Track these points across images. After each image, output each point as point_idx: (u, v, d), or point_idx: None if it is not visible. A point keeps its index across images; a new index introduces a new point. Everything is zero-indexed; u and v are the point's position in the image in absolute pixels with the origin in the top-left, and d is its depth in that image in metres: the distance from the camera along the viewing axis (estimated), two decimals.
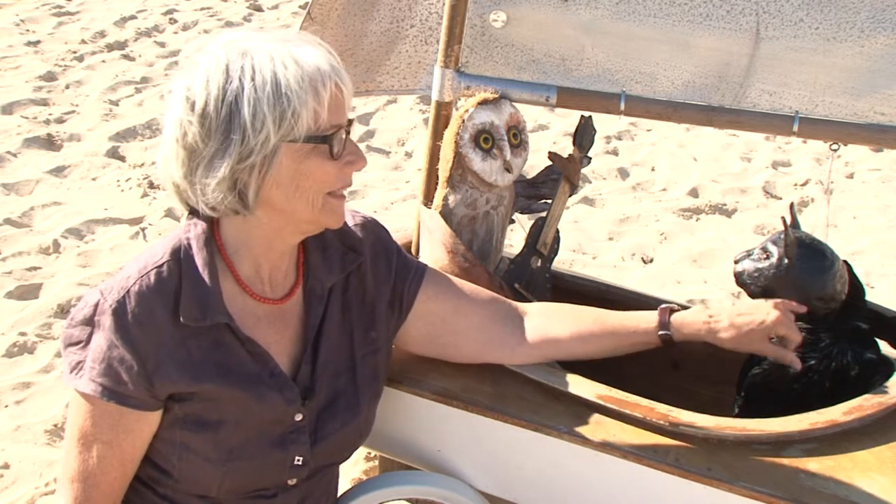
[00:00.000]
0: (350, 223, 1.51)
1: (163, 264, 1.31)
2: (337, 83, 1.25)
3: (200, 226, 1.34)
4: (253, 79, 1.21)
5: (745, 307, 1.54)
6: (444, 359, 1.62)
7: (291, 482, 1.41)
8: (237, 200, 1.27)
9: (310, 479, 1.44)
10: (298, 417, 1.38)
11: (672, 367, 1.56)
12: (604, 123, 4.07)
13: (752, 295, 1.66)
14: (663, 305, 1.57)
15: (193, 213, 1.35)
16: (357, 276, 1.49)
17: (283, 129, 1.22)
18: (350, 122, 1.31)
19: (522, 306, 1.62)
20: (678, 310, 1.56)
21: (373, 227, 1.54)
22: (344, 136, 1.29)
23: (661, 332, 1.53)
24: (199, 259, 1.32)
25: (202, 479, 1.35)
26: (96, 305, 1.29)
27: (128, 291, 1.28)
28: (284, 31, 1.27)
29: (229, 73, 1.21)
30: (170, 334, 1.29)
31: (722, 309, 1.54)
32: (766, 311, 1.51)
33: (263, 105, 1.20)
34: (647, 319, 1.55)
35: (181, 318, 1.29)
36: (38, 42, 5.97)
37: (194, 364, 1.30)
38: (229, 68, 1.22)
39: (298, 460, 1.39)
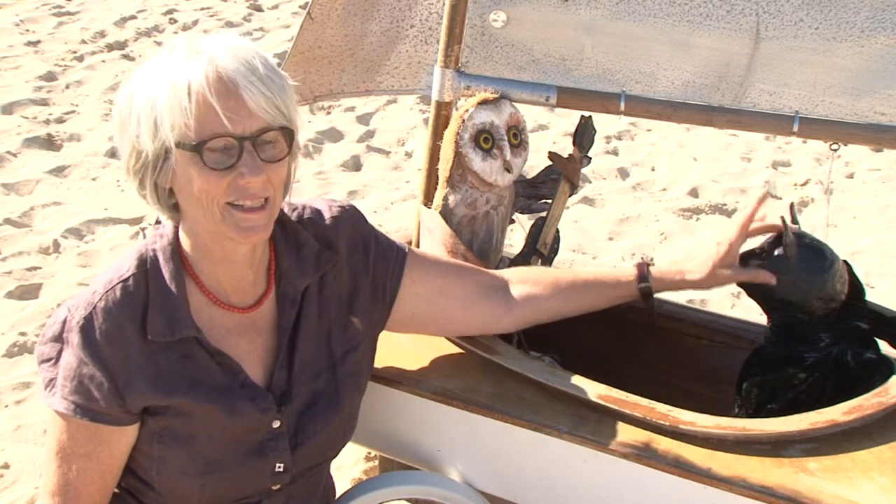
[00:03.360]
0: (326, 216, 1.49)
1: (129, 277, 1.30)
2: (228, 90, 1.19)
3: (167, 237, 1.34)
4: (141, 87, 1.23)
5: (704, 249, 1.60)
6: (431, 335, 1.64)
7: (275, 487, 1.40)
8: (167, 207, 1.30)
9: (295, 483, 1.43)
10: (276, 424, 1.37)
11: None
12: (604, 123, 4.07)
13: (752, 295, 1.66)
14: (639, 261, 1.63)
15: (159, 222, 1.36)
16: (332, 273, 1.47)
17: (158, 132, 1.20)
18: (262, 131, 1.22)
19: (502, 274, 1.64)
20: (651, 262, 1.59)
21: (349, 218, 1.51)
22: (236, 147, 1.21)
23: (640, 285, 1.59)
24: (166, 271, 1.31)
25: (181, 491, 1.35)
26: (64, 322, 1.29)
27: (94, 307, 1.28)
28: (209, 36, 1.24)
29: (131, 84, 1.25)
30: (138, 349, 1.29)
31: (688, 256, 1.58)
32: (726, 240, 1.58)
33: (141, 110, 1.21)
34: (625, 273, 1.61)
35: (148, 335, 1.29)
36: (38, 42, 5.97)
37: (165, 378, 1.30)
38: (132, 79, 1.26)
39: (279, 467, 1.38)
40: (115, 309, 1.28)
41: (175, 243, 1.34)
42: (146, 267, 1.32)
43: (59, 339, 1.29)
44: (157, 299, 1.30)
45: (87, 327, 1.27)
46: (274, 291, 1.41)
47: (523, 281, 1.62)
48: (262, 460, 1.37)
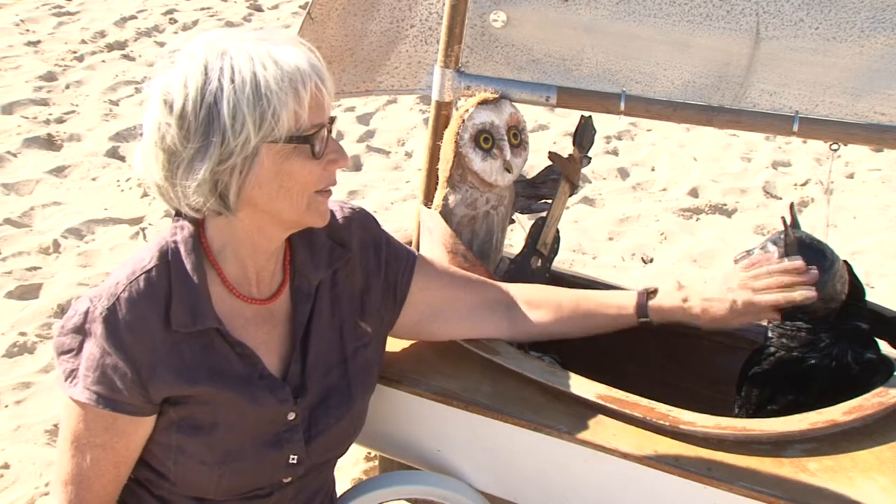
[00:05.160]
0: (338, 216, 1.51)
1: (151, 269, 1.31)
2: (317, 83, 1.24)
3: (187, 229, 1.34)
4: (232, 80, 1.18)
5: (714, 290, 1.55)
6: (431, 340, 1.67)
7: (287, 480, 1.42)
8: (219, 202, 1.25)
9: (305, 476, 1.44)
10: (291, 416, 1.39)
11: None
12: (604, 123, 4.07)
13: None
14: (641, 289, 1.61)
15: (179, 213, 1.34)
16: (345, 270, 1.49)
17: (263, 129, 1.20)
18: (332, 119, 1.29)
19: (508, 290, 1.65)
20: (654, 291, 1.60)
21: (360, 219, 1.54)
22: (325, 135, 1.28)
23: (640, 319, 1.59)
24: (188, 263, 1.32)
25: (198, 481, 1.35)
26: (86, 313, 1.29)
27: (118, 298, 1.28)
28: (264, 30, 1.27)
29: (208, 74, 1.19)
30: (161, 339, 1.29)
31: (693, 291, 1.56)
32: (731, 297, 1.52)
33: (243, 106, 1.18)
34: (626, 303, 1.60)
35: (172, 326, 1.29)
36: (38, 42, 5.97)
37: (187, 367, 1.30)
38: (208, 69, 1.19)
39: (293, 458, 1.40)
40: (139, 299, 1.28)
41: (197, 235, 1.34)
42: (168, 258, 1.32)
43: (80, 329, 1.29)
44: (180, 290, 1.30)
45: (110, 318, 1.27)
46: (289, 285, 1.43)
47: (528, 301, 1.64)
48: (278, 451, 1.38)
